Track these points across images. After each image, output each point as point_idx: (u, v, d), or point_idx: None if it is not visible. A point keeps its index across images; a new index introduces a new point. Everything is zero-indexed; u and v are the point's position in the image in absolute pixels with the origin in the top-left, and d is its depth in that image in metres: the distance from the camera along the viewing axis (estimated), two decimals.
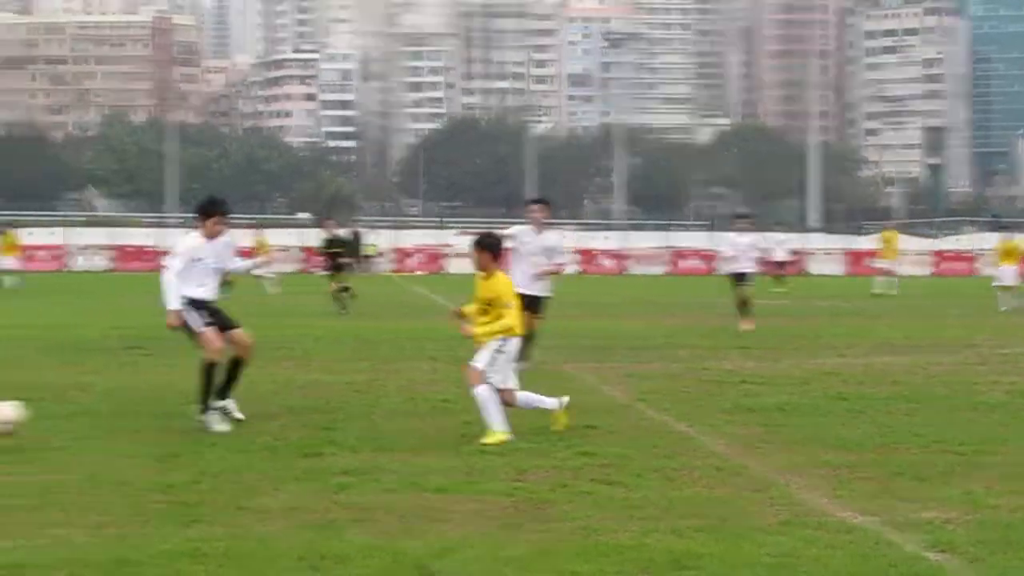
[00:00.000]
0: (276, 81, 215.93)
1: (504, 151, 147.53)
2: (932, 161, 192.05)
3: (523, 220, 19.22)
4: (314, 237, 35.65)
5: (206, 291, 13.15)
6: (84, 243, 71.42)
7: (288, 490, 9.86)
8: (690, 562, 7.76)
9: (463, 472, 10.55)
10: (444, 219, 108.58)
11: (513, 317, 12.36)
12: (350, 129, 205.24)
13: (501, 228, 18.94)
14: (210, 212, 13.33)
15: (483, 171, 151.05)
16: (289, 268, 58.11)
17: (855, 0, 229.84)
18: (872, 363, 19.95)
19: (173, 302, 12.88)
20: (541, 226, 18.57)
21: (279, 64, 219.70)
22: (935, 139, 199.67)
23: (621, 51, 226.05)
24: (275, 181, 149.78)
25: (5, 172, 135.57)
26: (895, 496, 9.76)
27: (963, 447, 11.94)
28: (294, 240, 69.08)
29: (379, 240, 71.99)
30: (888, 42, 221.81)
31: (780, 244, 54.04)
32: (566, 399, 12.75)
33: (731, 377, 17.73)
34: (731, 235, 29.38)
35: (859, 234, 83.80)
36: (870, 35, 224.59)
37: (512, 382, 12.48)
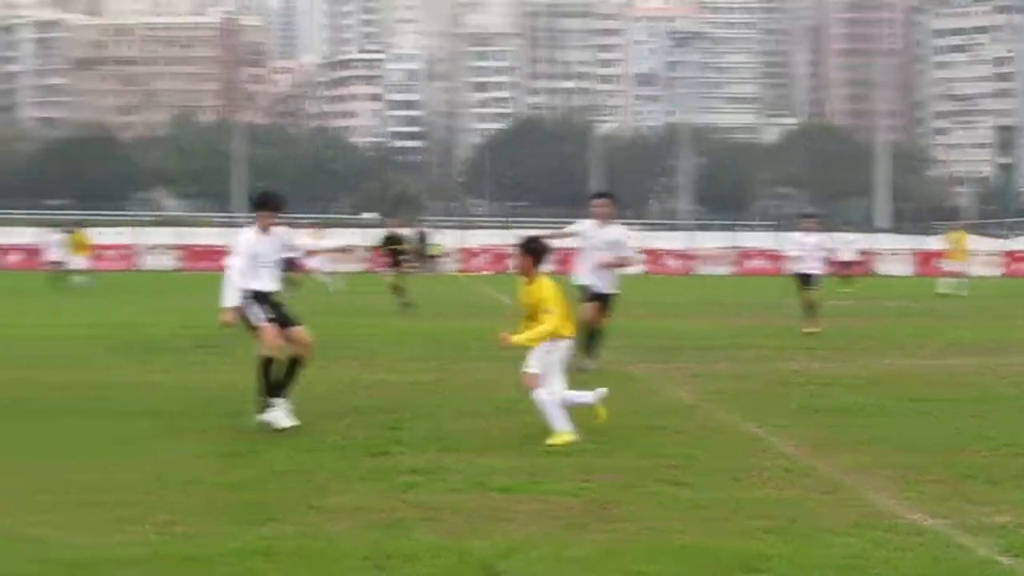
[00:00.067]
0: (342, 81, 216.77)
1: (569, 151, 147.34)
2: (1003, 160, 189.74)
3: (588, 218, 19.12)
4: (379, 237, 35.71)
5: (267, 284, 13.18)
6: (153, 243, 72.03)
7: (355, 489, 9.89)
8: (759, 564, 7.71)
9: (528, 472, 10.54)
10: (509, 219, 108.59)
11: (554, 322, 12.14)
12: (415, 129, 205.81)
13: (566, 226, 18.93)
14: (264, 206, 13.38)
15: (548, 171, 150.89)
16: (354, 268, 58.24)
17: None
18: (941, 364, 19.77)
19: (229, 300, 12.95)
20: (605, 220, 18.39)
21: (345, 64, 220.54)
22: (1006, 138, 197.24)
23: (686, 50, 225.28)
24: (341, 181, 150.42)
25: (76, 172, 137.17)
26: (966, 499, 9.66)
27: None
28: (359, 240, 69.17)
29: (444, 240, 72.13)
30: (957, 40, 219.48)
31: (847, 244, 53.63)
32: (603, 390, 12.61)
33: (798, 378, 17.61)
34: (797, 235, 28.99)
35: (928, 234, 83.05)
36: (938, 34, 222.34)
37: (558, 385, 12.35)
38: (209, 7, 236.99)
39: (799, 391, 16.09)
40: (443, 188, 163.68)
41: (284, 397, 12.97)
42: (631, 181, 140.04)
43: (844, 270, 50.13)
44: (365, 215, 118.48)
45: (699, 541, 8.25)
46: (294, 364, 13.12)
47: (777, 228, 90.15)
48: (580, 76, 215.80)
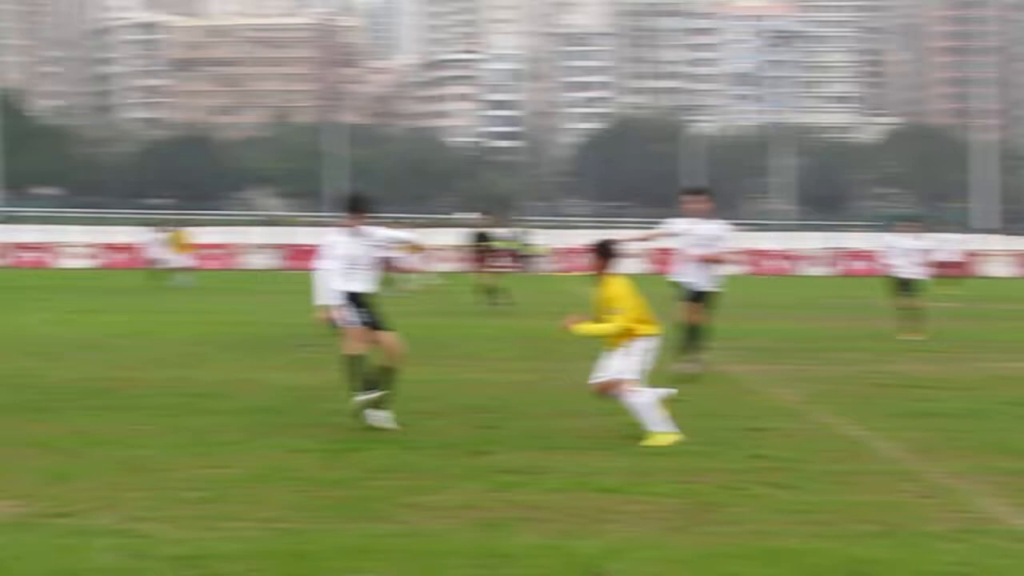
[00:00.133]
0: (438, 81, 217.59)
1: (665, 151, 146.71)
2: None
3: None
4: (469, 236, 35.75)
5: (361, 285, 13.21)
6: (253, 242, 72.70)
7: (455, 488, 9.91)
8: (864, 568, 7.63)
9: (630, 473, 10.50)
10: (606, 219, 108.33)
11: (622, 322, 12.19)
12: (512, 129, 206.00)
13: (658, 226, 18.67)
14: (354, 209, 13.40)
15: (644, 171, 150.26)
16: (451, 268, 58.48)
17: None
18: None
19: (325, 298, 13.03)
20: (700, 216, 17.76)
21: (441, 64, 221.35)
22: None
23: (783, 49, 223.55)
24: (437, 181, 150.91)
25: (174, 172, 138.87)
26: None
27: None
28: (455, 240, 69.38)
29: (541, 240, 72.08)
30: None
31: (948, 246, 52.88)
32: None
33: (901, 380, 17.39)
34: (896, 237, 27.88)
35: None
36: None
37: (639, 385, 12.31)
38: (306, 7, 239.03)
39: (903, 394, 15.89)
40: (540, 188, 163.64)
41: (380, 403, 12.96)
42: (728, 181, 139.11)
43: (946, 272, 49.36)
44: (461, 215, 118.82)
45: (803, 545, 8.17)
46: (386, 373, 13.08)
47: (877, 229, 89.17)
48: (676, 75, 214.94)
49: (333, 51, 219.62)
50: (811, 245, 76.06)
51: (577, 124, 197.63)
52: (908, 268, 26.80)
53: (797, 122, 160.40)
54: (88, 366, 18.21)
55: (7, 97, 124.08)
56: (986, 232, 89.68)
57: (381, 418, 12.78)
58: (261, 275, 59.29)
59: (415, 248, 36.66)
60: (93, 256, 67.64)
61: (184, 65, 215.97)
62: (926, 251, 28.63)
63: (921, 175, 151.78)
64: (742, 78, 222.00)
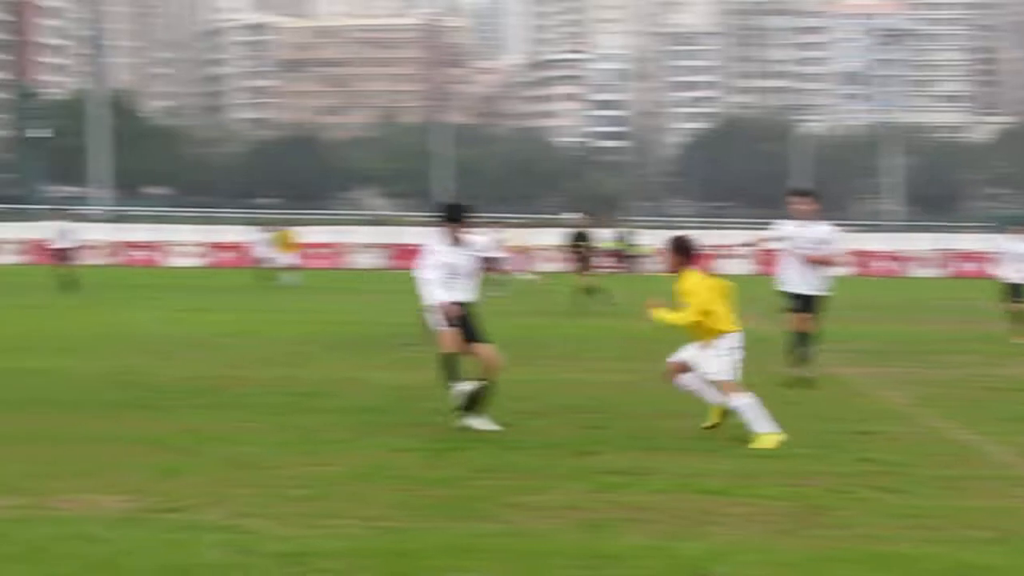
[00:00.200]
0: (544, 81, 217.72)
1: (773, 151, 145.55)
2: None
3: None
4: (568, 236, 35.55)
5: (461, 295, 13.17)
6: (359, 241, 73.13)
7: (559, 488, 9.88)
8: (976, 574, 7.50)
9: (736, 475, 10.41)
10: (712, 219, 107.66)
11: (691, 316, 12.28)
12: (618, 129, 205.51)
13: (765, 231, 18.38)
14: (452, 219, 13.31)
15: (752, 171, 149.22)
16: (554, 268, 58.42)
17: None
18: None
19: (435, 296, 13.03)
20: (807, 218, 17.24)
21: (547, 64, 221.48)
22: None
23: (892, 48, 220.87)
24: (543, 181, 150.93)
25: (284, 172, 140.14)
26: None
27: None
28: (560, 240, 69.24)
29: (646, 240, 71.75)
30: None
31: None
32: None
33: (1012, 384, 17.08)
34: (1007, 240, 26.87)
35: None
36: None
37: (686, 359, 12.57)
38: (413, 8, 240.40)
39: (1013, 398, 15.63)
40: (647, 188, 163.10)
41: (478, 407, 12.88)
42: (837, 181, 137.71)
43: None
44: (567, 215, 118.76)
45: (912, 549, 8.05)
46: (484, 386, 12.95)
47: (990, 230, 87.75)
48: (784, 75, 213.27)
49: (440, 51, 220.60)
50: (921, 246, 74.95)
51: (683, 124, 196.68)
52: (1019, 271, 25.99)
53: (907, 122, 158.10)
54: (197, 364, 18.44)
55: (119, 98, 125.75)
56: None
57: (480, 423, 12.77)
58: (367, 275, 59.62)
59: (525, 250, 36.55)
60: (202, 255, 68.43)
61: (292, 66, 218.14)
62: None
63: None
64: (851, 77, 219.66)
